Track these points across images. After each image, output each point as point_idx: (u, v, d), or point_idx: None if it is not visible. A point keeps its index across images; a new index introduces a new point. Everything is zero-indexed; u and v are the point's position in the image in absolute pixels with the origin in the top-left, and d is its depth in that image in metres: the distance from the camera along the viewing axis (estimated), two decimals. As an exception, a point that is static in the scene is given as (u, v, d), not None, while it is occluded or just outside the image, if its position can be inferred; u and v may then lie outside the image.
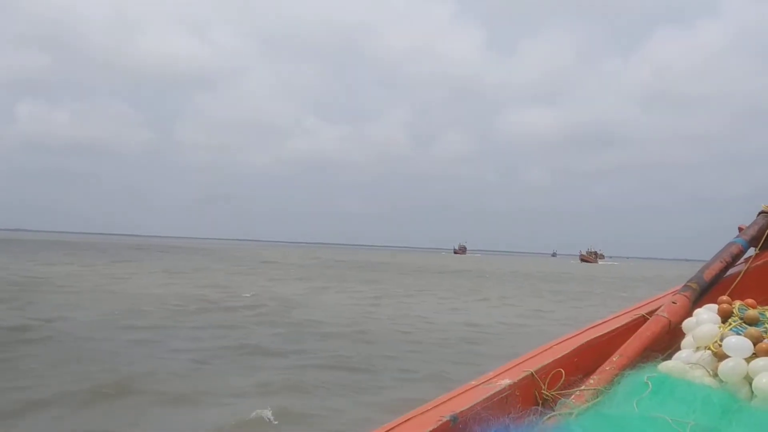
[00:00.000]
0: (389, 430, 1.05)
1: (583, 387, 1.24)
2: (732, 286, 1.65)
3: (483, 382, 1.24)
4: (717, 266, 1.63)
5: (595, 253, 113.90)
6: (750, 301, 1.39)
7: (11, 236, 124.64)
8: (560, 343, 1.44)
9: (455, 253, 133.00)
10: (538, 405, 1.25)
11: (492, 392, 1.19)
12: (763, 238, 1.76)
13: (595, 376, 1.26)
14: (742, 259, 1.76)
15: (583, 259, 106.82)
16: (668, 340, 1.41)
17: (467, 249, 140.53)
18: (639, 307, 1.60)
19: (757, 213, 1.83)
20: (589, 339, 1.43)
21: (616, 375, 1.24)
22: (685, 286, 1.56)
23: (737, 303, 1.38)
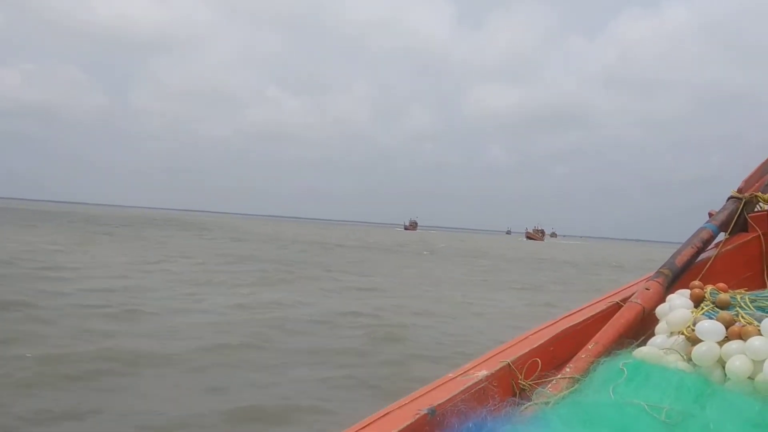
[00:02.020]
0: (367, 425, 1.06)
1: (559, 376, 1.28)
2: (703, 271, 1.73)
3: (460, 374, 1.27)
4: (688, 252, 1.71)
5: (542, 231, 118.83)
6: (721, 285, 1.47)
7: None
8: (536, 332, 1.48)
9: (405, 229, 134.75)
10: (515, 395, 1.29)
11: (469, 384, 1.22)
12: (733, 223, 1.86)
13: (570, 365, 1.31)
14: (712, 244, 1.85)
15: (529, 237, 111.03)
16: (642, 327, 1.47)
17: (418, 225, 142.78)
18: (613, 295, 1.67)
19: (727, 198, 1.92)
20: (564, 328, 1.48)
21: (592, 363, 1.29)
22: (658, 272, 1.63)
23: (709, 287, 1.45)
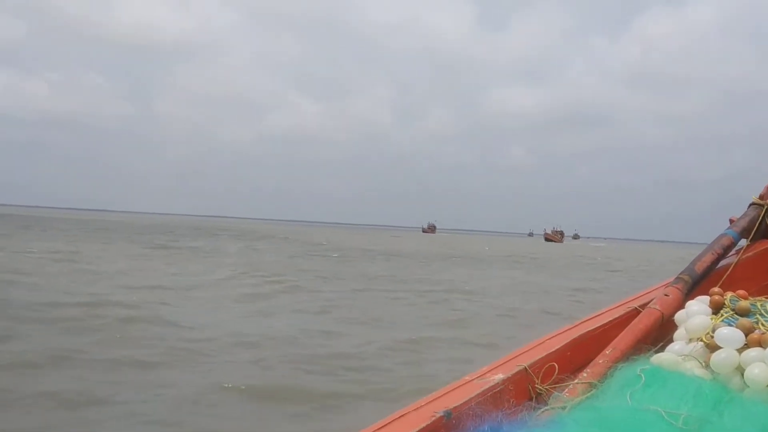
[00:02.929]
0: (382, 427, 1.09)
1: (576, 381, 1.30)
2: (723, 278, 1.74)
3: (476, 377, 1.30)
4: (708, 258, 1.72)
5: (561, 233, 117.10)
6: (741, 292, 1.48)
7: None
8: (553, 337, 1.50)
9: (424, 231, 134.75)
10: (531, 399, 1.32)
11: (485, 387, 1.24)
12: (754, 230, 1.86)
13: (588, 370, 1.33)
14: (733, 251, 1.86)
15: (548, 239, 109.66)
16: (661, 333, 1.49)
17: (437, 228, 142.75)
18: (631, 300, 1.68)
19: (748, 204, 1.93)
20: (581, 333, 1.50)
21: (609, 368, 1.30)
22: (677, 278, 1.64)
23: (729, 294, 1.46)
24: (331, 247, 39.81)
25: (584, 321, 1.59)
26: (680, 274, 1.66)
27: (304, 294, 14.13)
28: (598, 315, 1.62)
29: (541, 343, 1.47)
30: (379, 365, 7.61)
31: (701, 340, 1.35)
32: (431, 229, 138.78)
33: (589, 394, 1.26)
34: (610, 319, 1.57)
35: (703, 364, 1.30)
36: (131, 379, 6.48)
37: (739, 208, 1.97)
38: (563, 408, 1.22)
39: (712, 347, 1.32)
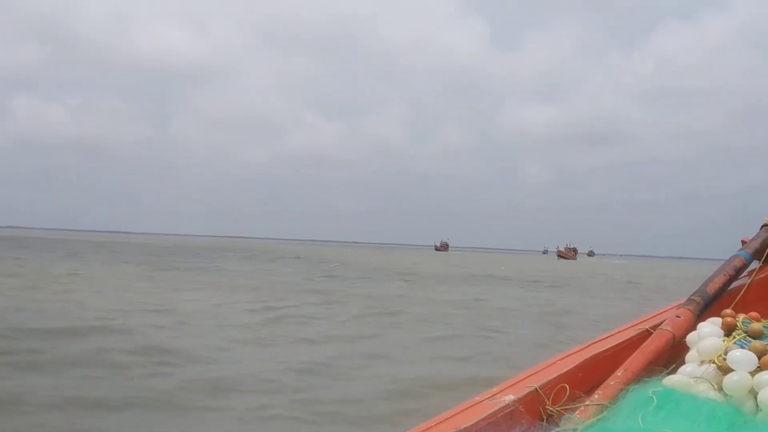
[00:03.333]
0: None
1: (587, 402, 1.31)
2: (736, 300, 1.73)
3: (487, 398, 1.30)
4: (720, 279, 1.72)
5: (574, 250, 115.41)
6: (754, 314, 1.48)
7: (8, 233, 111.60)
8: (564, 358, 1.51)
9: (437, 249, 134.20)
10: (542, 421, 1.32)
11: (496, 408, 1.25)
12: (766, 252, 1.86)
13: (599, 391, 1.33)
14: (745, 273, 1.85)
15: (561, 256, 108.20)
16: (672, 355, 1.49)
17: (450, 246, 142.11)
18: (642, 322, 1.68)
19: (761, 226, 1.92)
20: (593, 354, 1.51)
21: (621, 390, 1.31)
22: (689, 299, 1.64)
23: (741, 316, 1.46)
24: (344, 266, 39.16)
25: (595, 342, 1.59)
26: (692, 295, 1.66)
27: (315, 321, 13.06)
28: (609, 336, 1.62)
29: (552, 364, 1.48)
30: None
31: (713, 363, 1.35)
32: (444, 247, 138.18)
33: (600, 416, 1.26)
34: (622, 340, 1.58)
35: (716, 386, 1.30)
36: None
37: (757, 221, 1.96)
38: (574, 430, 1.22)
39: (725, 370, 1.32)
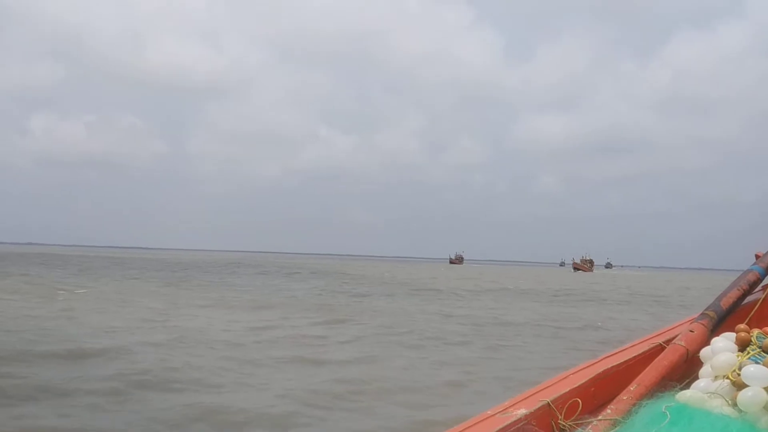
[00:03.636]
0: None
1: (600, 417, 1.31)
2: (750, 315, 1.73)
3: (499, 412, 1.31)
4: (734, 294, 1.71)
5: (591, 262, 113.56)
6: None
7: (26, 250, 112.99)
8: (576, 372, 1.50)
9: (451, 262, 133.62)
10: None
11: (508, 422, 1.25)
12: None
13: (612, 406, 1.33)
14: (759, 287, 1.84)
15: (577, 268, 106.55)
16: (686, 370, 1.48)
17: (464, 259, 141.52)
18: (656, 336, 1.68)
19: None
20: (605, 368, 1.50)
21: (634, 405, 1.31)
22: (702, 314, 1.64)
23: (755, 331, 1.46)
24: (359, 282, 38.28)
25: (608, 356, 1.59)
26: (705, 310, 1.65)
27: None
28: (622, 350, 1.62)
29: (564, 378, 1.48)
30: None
31: (727, 378, 1.34)
32: (459, 260, 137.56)
33: (613, 431, 1.26)
34: (634, 354, 1.57)
35: (730, 402, 1.29)
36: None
37: None
38: None
39: (739, 385, 1.31)
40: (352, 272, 52.23)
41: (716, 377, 1.37)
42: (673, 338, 1.57)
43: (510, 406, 1.34)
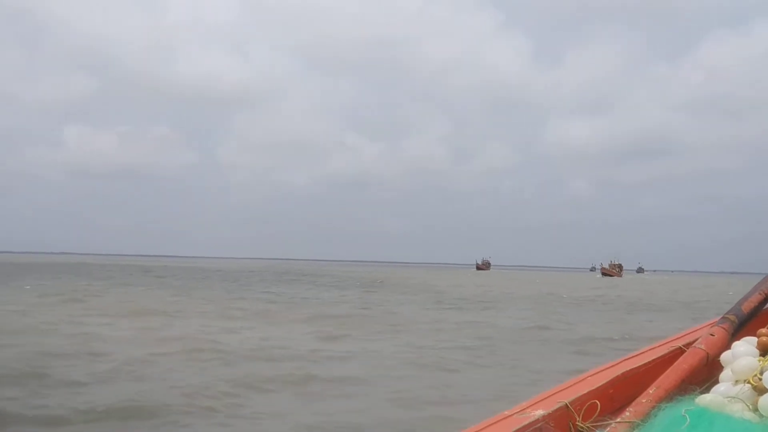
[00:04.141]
0: None
1: (618, 419, 1.31)
2: None
3: (516, 412, 1.32)
4: (756, 298, 1.69)
5: (620, 266, 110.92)
6: None
7: (57, 260, 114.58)
8: (595, 374, 1.51)
9: (478, 268, 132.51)
10: None
11: (525, 423, 1.26)
12: None
13: (630, 409, 1.33)
14: None
15: (605, 273, 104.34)
16: (706, 373, 1.47)
17: (491, 264, 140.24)
18: (676, 339, 1.67)
19: None
20: (624, 371, 1.50)
21: (653, 408, 1.30)
22: (723, 318, 1.62)
23: None
24: (385, 290, 37.52)
25: (627, 359, 1.58)
26: (726, 313, 1.64)
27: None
28: (641, 353, 1.61)
29: (582, 380, 1.47)
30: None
31: (748, 382, 1.34)
32: (486, 265, 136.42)
33: None
34: (654, 357, 1.56)
35: (751, 407, 1.28)
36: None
37: None
38: None
39: (760, 390, 1.30)
40: (381, 278, 51.31)
41: (737, 381, 1.36)
42: (694, 341, 1.56)
43: (528, 407, 1.35)
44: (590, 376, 1.50)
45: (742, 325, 1.62)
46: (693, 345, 1.54)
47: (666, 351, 1.60)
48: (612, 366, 1.55)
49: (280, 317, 18.94)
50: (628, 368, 1.52)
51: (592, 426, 1.34)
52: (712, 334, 1.54)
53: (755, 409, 1.27)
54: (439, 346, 13.38)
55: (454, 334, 15.87)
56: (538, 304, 27.12)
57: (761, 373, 1.34)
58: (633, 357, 1.59)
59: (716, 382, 1.40)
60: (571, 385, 1.46)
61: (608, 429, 1.28)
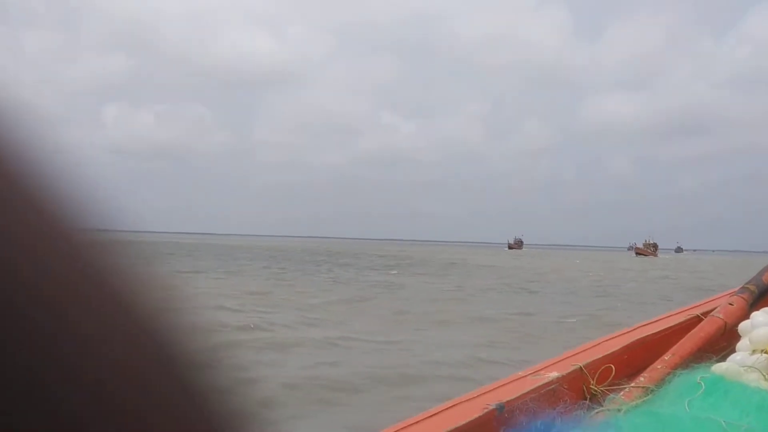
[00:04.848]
0: (434, 415, 1.19)
1: (633, 384, 1.35)
2: None
3: (531, 374, 1.37)
4: None
5: (655, 246, 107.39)
6: None
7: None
8: (610, 339, 1.54)
9: (510, 248, 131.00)
10: (586, 399, 1.37)
11: (540, 384, 1.31)
12: None
13: (645, 374, 1.37)
14: None
15: (639, 252, 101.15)
16: (723, 342, 1.50)
17: (524, 243, 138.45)
18: (694, 307, 1.69)
19: None
20: (640, 337, 1.53)
21: (668, 374, 1.34)
22: (743, 288, 1.63)
23: None
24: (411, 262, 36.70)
25: (643, 325, 1.61)
26: (746, 283, 1.65)
27: None
28: (658, 320, 1.63)
29: (597, 344, 1.51)
30: None
31: (765, 352, 1.36)
32: (518, 244, 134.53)
33: (645, 399, 1.30)
34: (670, 325, 1.58)
35: (767, 376, 1.31)
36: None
37: None
38: (619, 410, 1.27)
39: (777, 359, 1.33)
40: (410, 256, 50.34)
41: (754, 351, 1.38)
42: (711, 310, 1.58)
43: (542, 368, 1.39)
44: (605, 341, 1.54)
45: (762, 295, 1.62)
46: (711, 314, 1.56)
47: (683, 319, 1.62)
48: (628, 332, 1.58)
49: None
50: (645, 335, 1.55)
51: (606, 389, 1.37)
52: (731, 304, 1.56)
53: None
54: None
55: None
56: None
57: (779, 344, 1.36)
58: (650, 324, 1.62)
59: (733, 351, 1.42)
60: (586, 349, 1.49)
61: (622, 393, 1.33)
